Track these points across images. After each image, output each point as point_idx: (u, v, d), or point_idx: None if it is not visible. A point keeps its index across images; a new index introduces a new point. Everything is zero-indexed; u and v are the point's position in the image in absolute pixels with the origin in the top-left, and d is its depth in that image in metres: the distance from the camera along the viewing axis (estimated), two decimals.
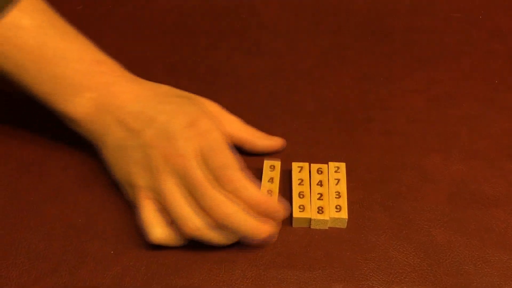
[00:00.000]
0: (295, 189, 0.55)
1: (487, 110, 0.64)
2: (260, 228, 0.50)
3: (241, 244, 0.53)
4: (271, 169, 0.57)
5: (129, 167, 0.52)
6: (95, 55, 0.55)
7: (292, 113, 0.64)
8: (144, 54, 0.70)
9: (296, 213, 0.53)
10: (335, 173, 0.56)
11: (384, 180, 0.58)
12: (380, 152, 0.60)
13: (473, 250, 0.52)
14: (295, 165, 0.57)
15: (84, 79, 0.53)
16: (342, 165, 0.57)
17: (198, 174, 0.50)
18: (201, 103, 0.56)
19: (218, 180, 0.50)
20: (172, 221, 0.51)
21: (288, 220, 0.54)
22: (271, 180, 0.56)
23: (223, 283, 0.51)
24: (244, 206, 0.50)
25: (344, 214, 0.53)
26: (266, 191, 0.55)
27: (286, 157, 0.59)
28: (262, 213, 0.51)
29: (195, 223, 0.50)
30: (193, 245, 0.53)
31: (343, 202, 0.54)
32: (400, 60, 0.70)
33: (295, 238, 0.53)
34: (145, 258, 0.52)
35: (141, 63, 0.69)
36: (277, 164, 0.57)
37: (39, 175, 0.58)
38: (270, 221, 0.51)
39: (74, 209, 0.56)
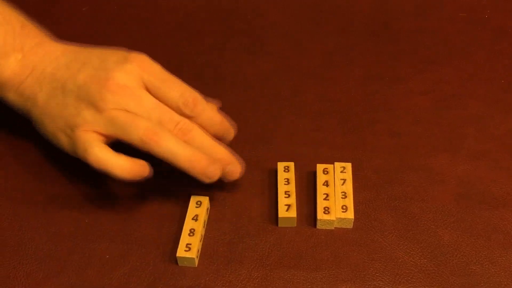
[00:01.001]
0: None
1: (493, 110, 0.64)
2: (219, 147, 0.52)
3: (247, 244, 0.53)
4: (286, 170, 0.57)
5: (66, 110, 0.51)
6: (19, 20, 0.55)
7: (298, 113, 0.64)
8: (149, 55, 0.70)
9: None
10: (341, 173, 0.56)
11: (390, 181, 0.57)
12: (386, 152, 0.60)
13: (479, 251, 0.52)
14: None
15: (10, 41, 0.53)
16: (348, 165, 0.57)
17: (150, 101, 0.51)
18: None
19: (180, 108, 0.51)
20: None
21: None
22: (286, 181, 0.56)
23: (230, 284, 0.51)
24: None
25: (350, 214, 0.53)
26: (283, 192, 0.55)
27: (291, 157, 0.59)
28: (218, 132, 0.54)
29: (152, 126, 0.50)
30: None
31: (349, 202, 0.54)
32: (406, 61, 0.69)
33: (301, 239, 0.53)
34: (152, 259, 0.52)
35: None
36: (291, 165, 0.57)
37: (46, 176, 0.58)
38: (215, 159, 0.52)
39: (81, 209, 0.56)
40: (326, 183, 0.55)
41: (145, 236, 0.54)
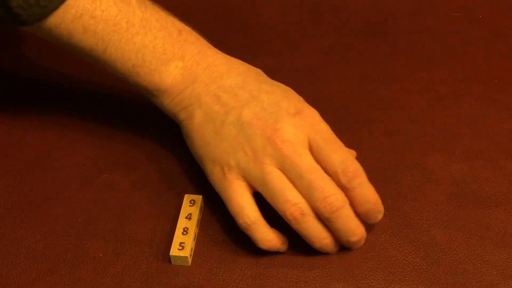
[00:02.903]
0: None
1: (488, 110, 0.64)
2: (356, 230, 0.49)
3: (241, 243, 0.53)
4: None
5: (221, 144, 0.49)
6: (176, 24, 0.53)
7: None
8: None
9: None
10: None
11: (384, 180, 0.57)
12: (381, 152, 0.60)
13: (472, 250, 0.52)
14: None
15: (170, 47, 0.51)
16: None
17: (308, 162, 0.48)
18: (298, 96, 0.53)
19: (337, 174, 0.48)
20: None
21: None
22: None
23: (223, 282, 0.51)
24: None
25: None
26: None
27: None
28: (367, 213, 0.50)
29: (300, 206, 0.47)
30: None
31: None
32: (401, 60, 0.70)
33: (295, 238, 0.53)
34: (145, 258, 0.52)
35: None
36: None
37: (39, 175, 0.58)
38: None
39: (74, 208, 0.56)
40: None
41: (139, 234, 0.54)
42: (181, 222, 0.53)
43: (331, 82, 0.67)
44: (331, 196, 0.47)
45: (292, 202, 0.48)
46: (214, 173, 0.51)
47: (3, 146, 0.61)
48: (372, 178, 0.57)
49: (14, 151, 0.60)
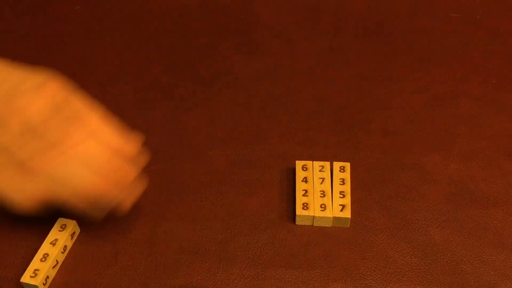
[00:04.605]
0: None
1: (486, 110, 0.64)
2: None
3: (240, 244, 0.53)
4: (342, 170, 0.57)
5: None
6: None
7: (292, 113, 0.64)
8: (143, 54, 0.70)
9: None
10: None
11: (383, 180, 0.58)
12: (379, 152, 0.60)
13: (470, 250, 0.52)
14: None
15: None
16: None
17: (39, 115, 0.47)
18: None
19: (75, 126, 0.48)
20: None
21: (292, 217, 0.55)
22: (342, 181, 0.56)
23: (222, 283, 0.51)
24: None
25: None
26: (339, 192, 0.55)
27: (285, 157, 0.59)
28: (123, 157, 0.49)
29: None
30: (191, 244, 0.53)
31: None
32: (399, 60, 0.70)
33: (293, 238, 0.54)
34: (144, 258, 0.52)
35: (140, 63, 0.69)
36: (347, 165, 0.57)
37: None
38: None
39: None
40: (305, 180, 0.56)
41: (137, 235, 0.54)
42: (43, 248, 0.51)
43: (329, 82, 0.67)
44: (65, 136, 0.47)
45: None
46: None
47: None
48: (370, 178, 0.58)
49: None
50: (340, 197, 0.55)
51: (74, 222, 0.53)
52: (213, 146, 0.61)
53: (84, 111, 0.49)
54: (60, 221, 0.53)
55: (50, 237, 0.52)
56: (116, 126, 0.50)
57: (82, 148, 0.48)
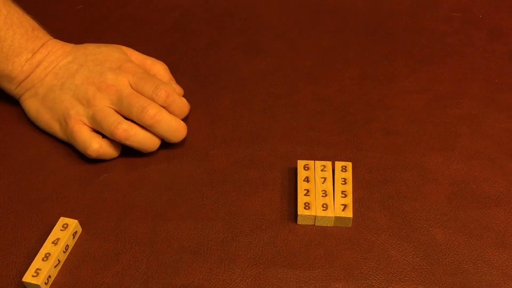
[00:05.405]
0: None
1: (487, 109, 0.64)
2: (179, 128, 0.59)
3: (241, 243, 0.53)
4: (343, 170, 0.57)
5: (62, 104, 0.59)
6: (30, 22, 0.62)
7: (293, 112, 0.64)
8: (144, 53, 0.70)
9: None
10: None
11: (384, 180, 0.58)
12: (380, 151, 0.60)
13: (472, 250, 0.52)
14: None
15: (23, 43, 0.60)
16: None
17: (128, 90, 0.58)
18: (126, 52, 0.64)
19: (153, 98, 0.58)
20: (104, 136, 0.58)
21: (293, 216, 0.55)
22: (343, 181, 0.56)
23: (223, 282, 0.51)
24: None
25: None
26: (340, 192, 0.55)
27: (287, 156, 0.59)
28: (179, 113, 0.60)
29: (122, 124, 0.56)
30: (192, 244, 0.53)
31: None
32: (400, 60, 0.70)
33: (295, 237, 0.53)
34: (145, 257, 0.52)
35: None
36: (349, 165, 0.57)
37: (39, 174, 0.58)
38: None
39: (74, 208, 0.56)
40: (307, 179, 0.56)
41: (139, 234, 0.54)
42: (45, 247, 0.51)
43: (330, 82, 0.67)
44: (146, 106, 0.57)
45: (114, 124, 0.57)
46: (61, 129, 0.60)
47: (3, 146, 0.61)
48: (372, 178, 0.58)
49: (14, 151, 0.60)
50: (341, 197, 0.54)
51: (76, 221, 0.53)
52: (214, 145, 0.61)
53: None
54: (62, 220, 0.53)
55: (52, 236, 0.52)
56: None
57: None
